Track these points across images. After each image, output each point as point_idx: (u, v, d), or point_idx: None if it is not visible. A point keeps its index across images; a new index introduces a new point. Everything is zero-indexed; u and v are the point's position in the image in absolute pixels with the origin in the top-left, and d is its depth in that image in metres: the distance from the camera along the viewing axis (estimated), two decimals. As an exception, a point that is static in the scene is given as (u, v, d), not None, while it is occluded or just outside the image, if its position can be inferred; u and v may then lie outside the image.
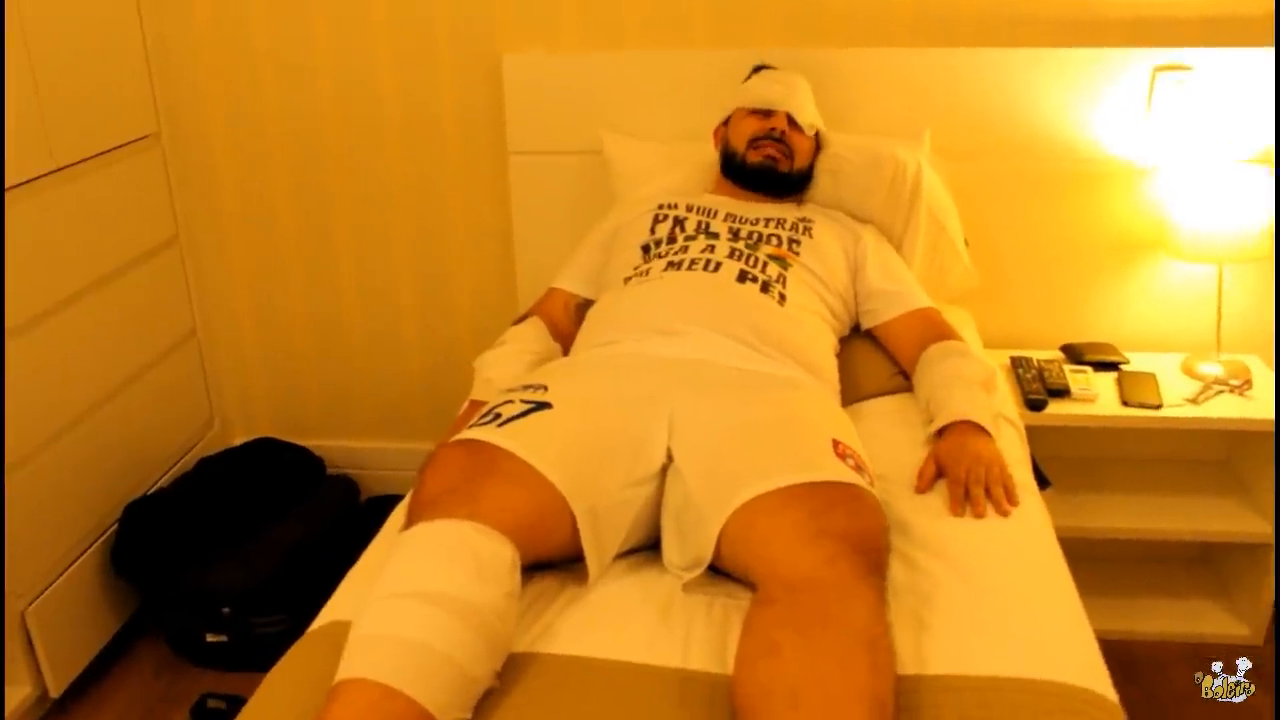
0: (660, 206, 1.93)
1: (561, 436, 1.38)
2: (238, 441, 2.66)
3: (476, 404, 1.71)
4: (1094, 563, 2.25)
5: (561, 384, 1.50)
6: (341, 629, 1.16)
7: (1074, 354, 2.27)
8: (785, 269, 1.77)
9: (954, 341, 1.77)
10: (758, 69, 2.10)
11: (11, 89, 1.89)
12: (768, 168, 1.95)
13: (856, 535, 1.23)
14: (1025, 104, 2.18)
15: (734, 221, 1.88)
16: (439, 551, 1.17)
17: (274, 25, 2.34)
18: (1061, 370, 2.19)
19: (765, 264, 1.76)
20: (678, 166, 2.17)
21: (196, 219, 2.53)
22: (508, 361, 1.78)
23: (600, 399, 1.47)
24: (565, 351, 1.84)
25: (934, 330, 1.82)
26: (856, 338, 1.90)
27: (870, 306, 1.89)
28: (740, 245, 1.79)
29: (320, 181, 2.47)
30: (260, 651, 2.11)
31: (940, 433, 1.58)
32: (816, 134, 2.02)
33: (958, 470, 1.48)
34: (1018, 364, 2.22)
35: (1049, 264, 2.31)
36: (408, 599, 1.11)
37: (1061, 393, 2.12)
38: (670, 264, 1.75)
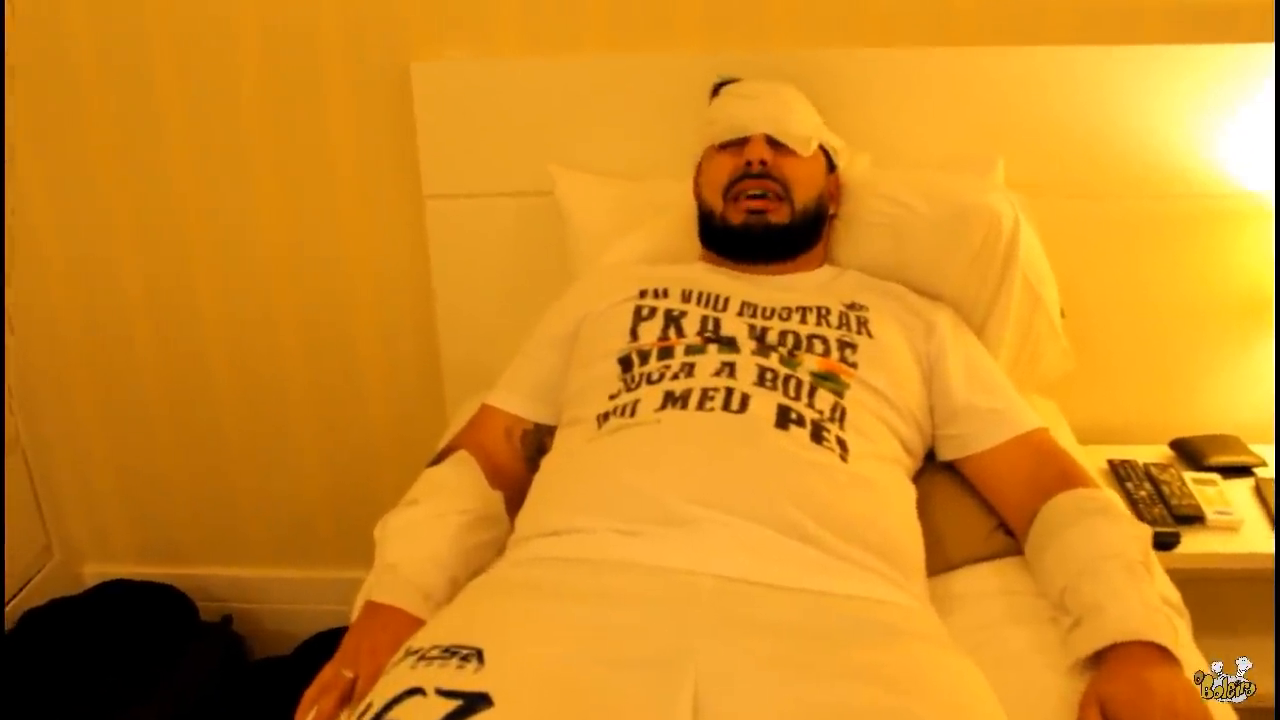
0: (643, 294, 1.32)
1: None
2: (87, 572, 2.09)
3: (376, 610, 1.10)
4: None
5: (507, 643, 0.89)
6: None
7: (1190, 454, 1.71)
8: (841, 394, 1.17)
9: (1089, 491, 1.19)
10: (718, 87, 1.53)
11: None
12: (756, 226, 1.37)
13: None
14: (1129, 120, 1.64)
15: (754, 315, 1.28)
16: None
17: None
18: (1183, 482, 1.62)
19: (813, 390, 1.16)
20: (660, 215, 1.59)
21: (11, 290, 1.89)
22: (420, 535, 1.17)
23: (573, 673, 0.87)
24: (511, 503, 1.23)
25: (1051, 466, 1.24)
26: (934, 472, 1.32)
27: (954, 430, 1.30)
28: (772, 362, 1.18)
29: (174, 233, 1.84)
30: None
31: (1098, 654, 1.01)
32: (824, 150, 1.46)
33: None
34: (1121, 473, 1.66)
35: (1154, 331, 1.77)
36: None
37: (1193, 519, 1.56)
38: (669, 396, 1.14)
